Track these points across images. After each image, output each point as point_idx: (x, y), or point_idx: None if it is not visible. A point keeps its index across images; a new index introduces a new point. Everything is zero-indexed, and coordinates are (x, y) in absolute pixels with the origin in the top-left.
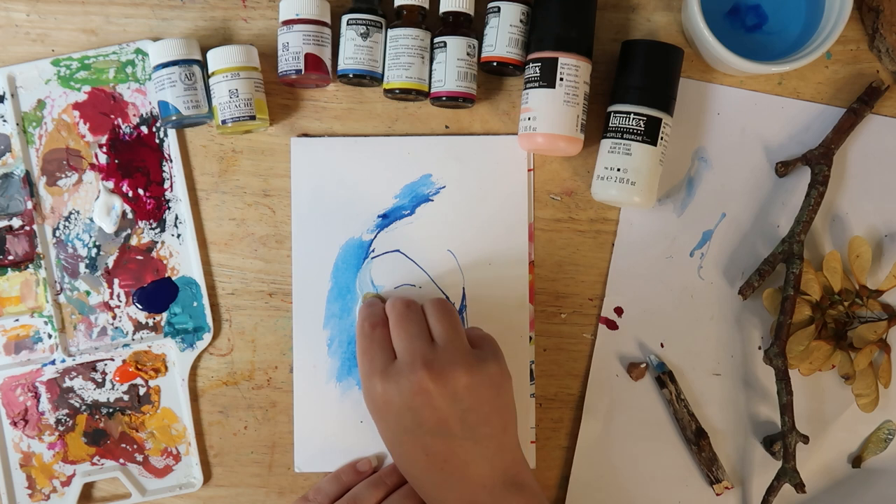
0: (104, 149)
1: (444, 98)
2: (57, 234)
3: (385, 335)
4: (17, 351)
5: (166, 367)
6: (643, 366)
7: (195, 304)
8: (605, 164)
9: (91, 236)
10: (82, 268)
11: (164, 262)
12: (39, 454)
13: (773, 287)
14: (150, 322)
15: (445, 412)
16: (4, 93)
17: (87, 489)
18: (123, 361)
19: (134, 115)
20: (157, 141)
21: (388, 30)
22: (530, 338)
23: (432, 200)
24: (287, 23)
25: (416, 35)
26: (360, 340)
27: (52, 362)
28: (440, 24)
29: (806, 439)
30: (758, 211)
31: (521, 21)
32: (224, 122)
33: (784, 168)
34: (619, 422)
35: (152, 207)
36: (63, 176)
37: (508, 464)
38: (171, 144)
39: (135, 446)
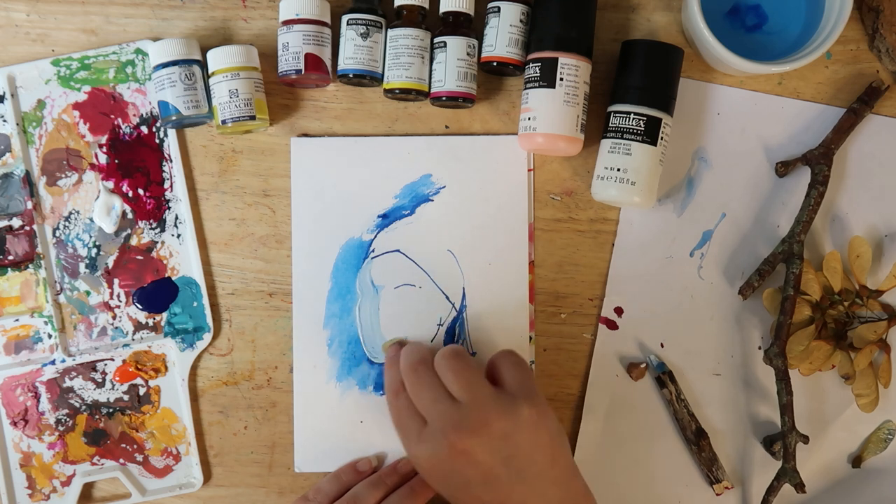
0: (104, 149)
1: (444, 98)
2: (57, 234)
3: (409, 400)
4: (17, 351)
5: (166, 367)
6: (643, 366)
7: (195, 304)
8: (605, 164)
9: (91, 236)
10: (82, 268)
11: (164, 262)
12: (39, 454)
13: (773, 287)
14: (150, 322)
15: (488, 464)
16: (4, 93)
17: (87, 489)
18: (123, 361)
19: (134, 115)
20: (157, 141)
21: (388, 30)
22: (530, 338)
23: (432, 200)
24: (287, 23)
25: (416, 35)
26: (390, 410)
27: (52, 362)
28: (440, 24)
29: (806, 439)
30: (758, 211)
31: (521, 21)
32: (224, 122)
33: (784, 168)
34: (619, 422)
35: (152, 207)
36: (63, 176)
37: (565, 495)
38: (171, 144)
39: (135, 446)
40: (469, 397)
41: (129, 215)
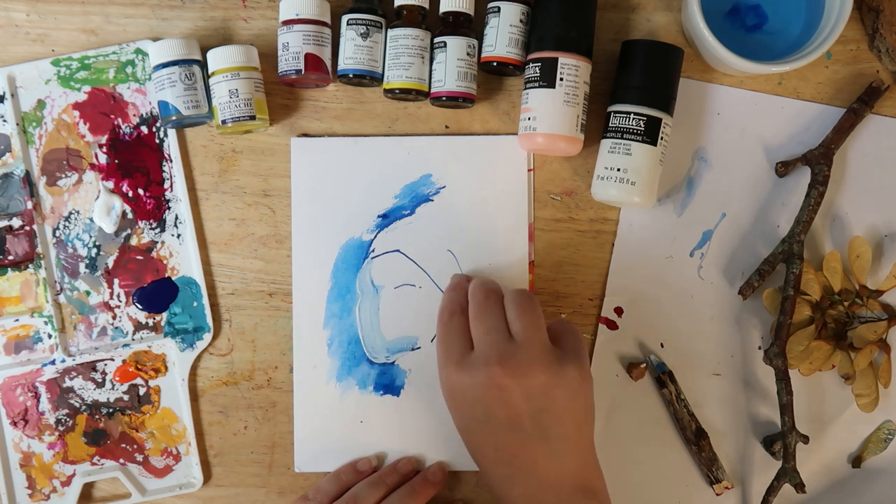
0: (104, 149)
1: (444, 98)
2: (57, 234)
3: (463, 324)
4: (17, 351)
5: (166, 367)
6: (643, 366)
7: (195, 304)
8: (605, 164)
9: (91, 236)
10: (82, 268)
11: (164, 262)
12: (39, 454)
13: (773, 287)
14: (150, 322)
15: (518, 409)
16: (4, 93)
17: (87, 489)
18: (123, 361)
19: (134, 115)
20: (157, 141)
21: (388, 30)
22: None
23: (432, 200)
24: (287, 23)
25: (416, 35)
26: (439, 328)
27: (52, 362)
28: (440, 24)
29: (806, 439)
30: (758, 211)
31: (521, 21)
32: (224, 122)
33: (784, 168)
34: (619, 422)
35: (152, 207)
36: (63, 176)
37: (579, 467)
38: (171, 144)
39: (135, 446)
40: (525, 338)
41: (129, 215)
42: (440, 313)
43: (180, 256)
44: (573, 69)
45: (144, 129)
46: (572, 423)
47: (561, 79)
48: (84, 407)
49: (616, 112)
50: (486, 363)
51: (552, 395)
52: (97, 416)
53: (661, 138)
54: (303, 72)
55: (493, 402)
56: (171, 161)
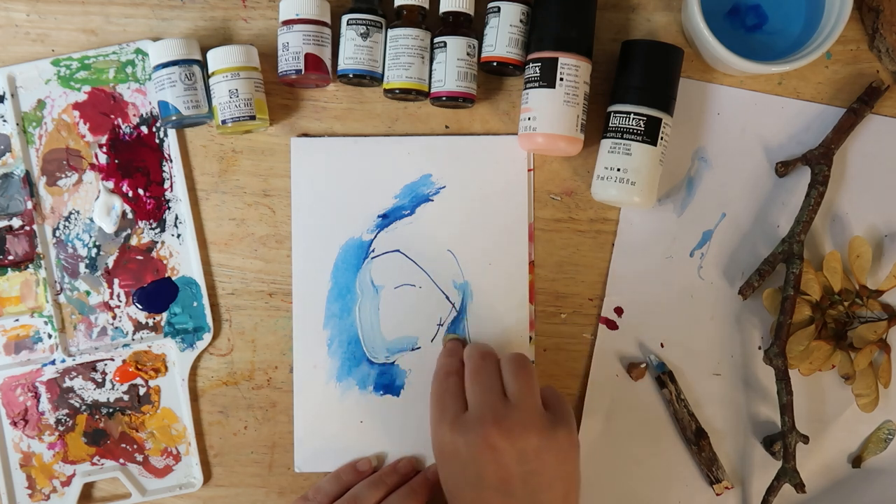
0: (104, 149)
1: (444, 98)
2: (57, 234)
3: (459, 384)
4: (17, 351)
5: (166, 367)
6: (643, 366)
7: (195, 304)
8: (605, 164)
9: (91, 236)
10: (82, 268)
11: (164, 262)
12: (39, 454)
13: (773, 287)
14: (150, 322)
15: (509, 471)
16: (4, 93)
17: (87, 489)
18: (123, 361)
19: (134, 115)
20: (157, 141)
21: (388, 30)
22: (530, 338)
23: (432, 200)
24: (287, 23)
25: (416, 35)
26: (435, 387)
27: (52, 362)
28: (440, 24)
29: (806, 439)
30: (758, 211)
31: (521, 21)
32: (224, 122)
33: (784, 168)
34: (619, 422)
35: (152, 207)
36: (63, 176)
37: None
38: (171, 144)
39: (135, 446)
40: (520, 400)
41: (129, 215)
42: (436, 374)
43: (180, 256)
44: (573, 69)
45: (144, 129)
46: (561, 489)
47: (561, 79)
48: (84, 407)
49: (616, 112)
50: (480, 423)
51: (543, 458)
52: (97, 416)
53: (661, 138)
54: (303, 72)
55: (486, 462)
56: (171, 161)
